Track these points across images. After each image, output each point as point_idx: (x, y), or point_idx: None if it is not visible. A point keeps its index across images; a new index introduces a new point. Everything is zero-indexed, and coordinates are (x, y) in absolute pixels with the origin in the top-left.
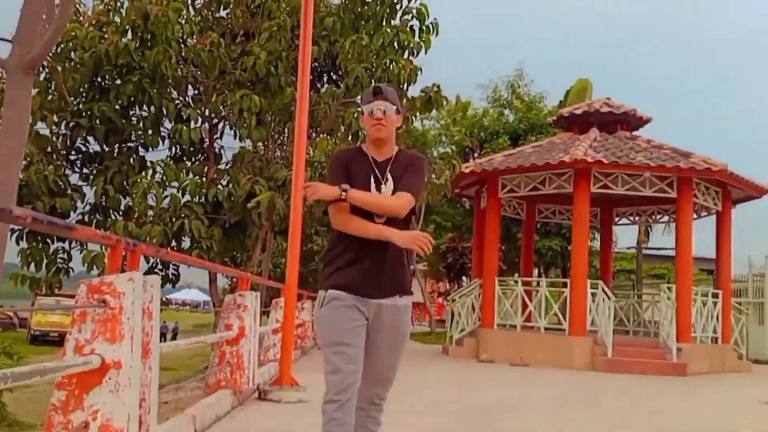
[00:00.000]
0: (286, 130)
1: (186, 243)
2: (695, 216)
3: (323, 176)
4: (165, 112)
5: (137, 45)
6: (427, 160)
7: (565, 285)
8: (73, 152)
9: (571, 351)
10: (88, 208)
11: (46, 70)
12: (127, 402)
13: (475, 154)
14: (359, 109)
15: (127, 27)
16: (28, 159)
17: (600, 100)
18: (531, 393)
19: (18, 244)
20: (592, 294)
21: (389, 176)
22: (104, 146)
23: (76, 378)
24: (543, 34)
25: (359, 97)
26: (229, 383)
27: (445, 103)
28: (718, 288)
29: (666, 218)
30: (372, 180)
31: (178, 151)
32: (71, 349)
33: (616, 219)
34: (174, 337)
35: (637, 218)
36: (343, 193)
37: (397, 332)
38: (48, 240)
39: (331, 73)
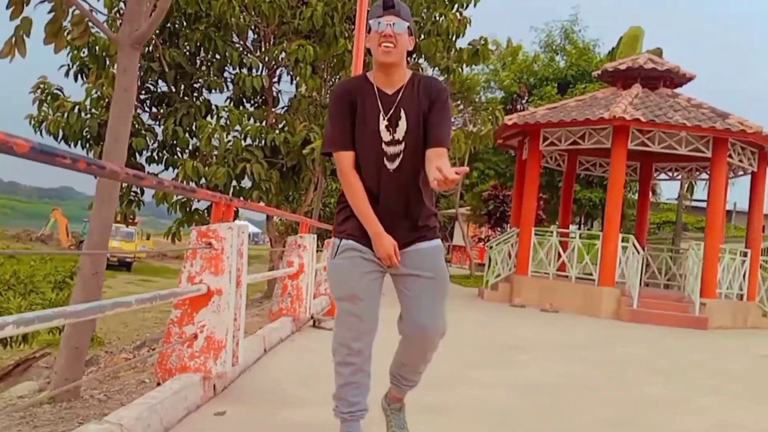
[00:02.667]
0: (338, 78)
1: (246, 183)
2: (732, 174)
3: None
4: (229, 58)
5: None
6: (447, 88)
7: (598, 237)
8: (143, 92)
9: (599, 300)
10: (155, 145)
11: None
12: (225, 320)
13: (523, 101)
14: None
15: None
16: (106, 100)
17: (645, 55)
18: (554, 335)
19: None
20: (623, 247)
21: (402, 113)
22: (172, 88)
23: (188, 300)
24: None
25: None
26: (289, 312)
27: (494, 49)
28: (748, 247)
29: (705, 175)
30: (381, 119)
31: (239, 94)
32: (185, 278)
33: (656, 174)
34: None
35: (675, 173)
36: None
37: (425, 276)
38: None
39: None
